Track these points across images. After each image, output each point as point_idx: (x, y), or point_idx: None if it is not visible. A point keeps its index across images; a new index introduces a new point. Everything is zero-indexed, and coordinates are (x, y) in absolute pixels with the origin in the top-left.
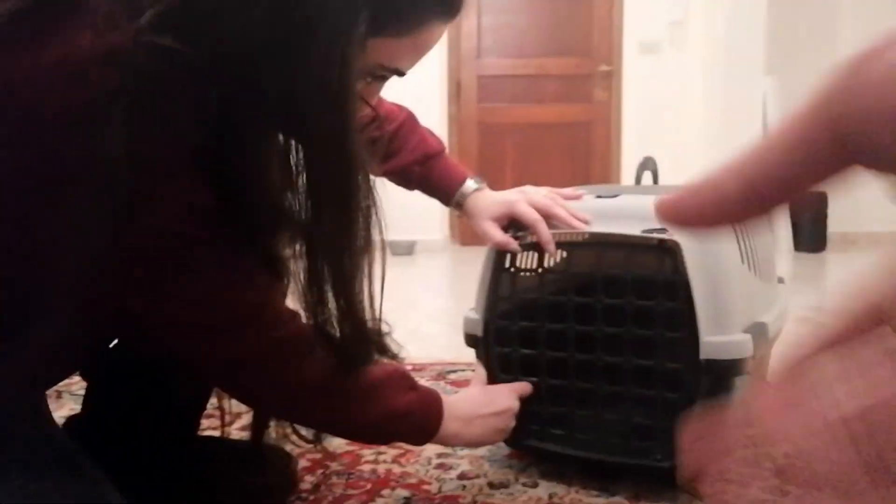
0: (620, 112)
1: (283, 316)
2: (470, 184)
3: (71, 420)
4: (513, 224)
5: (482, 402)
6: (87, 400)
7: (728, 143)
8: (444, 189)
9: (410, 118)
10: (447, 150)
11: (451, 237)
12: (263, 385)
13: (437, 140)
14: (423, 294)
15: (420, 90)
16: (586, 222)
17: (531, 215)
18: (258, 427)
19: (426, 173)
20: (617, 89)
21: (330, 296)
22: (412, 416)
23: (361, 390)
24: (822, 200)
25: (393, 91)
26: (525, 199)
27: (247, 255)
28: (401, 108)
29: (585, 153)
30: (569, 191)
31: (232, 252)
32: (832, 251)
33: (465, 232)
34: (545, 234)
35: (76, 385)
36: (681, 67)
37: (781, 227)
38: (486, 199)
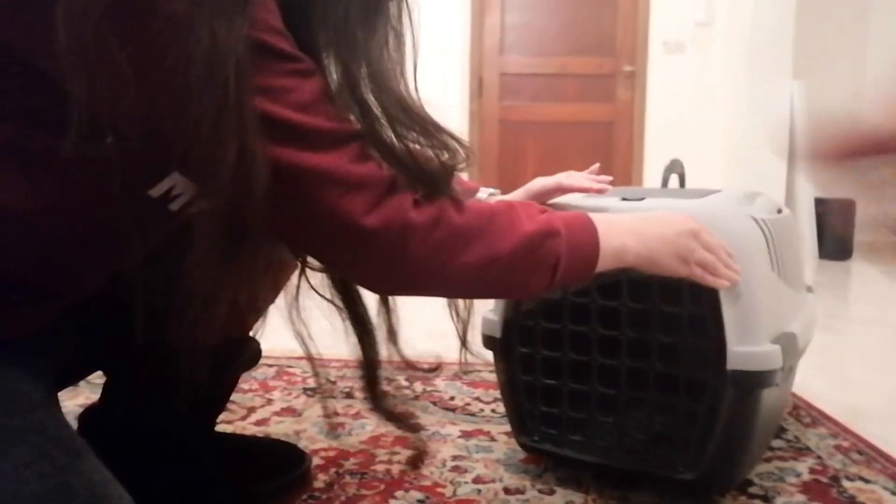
0: (644, 112)
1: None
2: (483, 191)
3: (87, 411)
4: None
5: (657, 219)
6: (105, 391)
7: (753, 146)
8: None
9: None
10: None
11: None
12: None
13: None
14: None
15: (442, 87)
16: (602, 185)
17: (550, 181)
18: (371, 385)
19: None
20: (641, 89)
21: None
22: (556, 232)
23: (487, 219)
24: (849, 207)
25: (414, 87)
26: (538, 179)
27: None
28: None
29: (607, 153)
30: (600, 177)
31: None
32: (858, 259)
33: None
34: (575, 185)
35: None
36: (706, 68)
37: (806, 234)
38: (503, 199)
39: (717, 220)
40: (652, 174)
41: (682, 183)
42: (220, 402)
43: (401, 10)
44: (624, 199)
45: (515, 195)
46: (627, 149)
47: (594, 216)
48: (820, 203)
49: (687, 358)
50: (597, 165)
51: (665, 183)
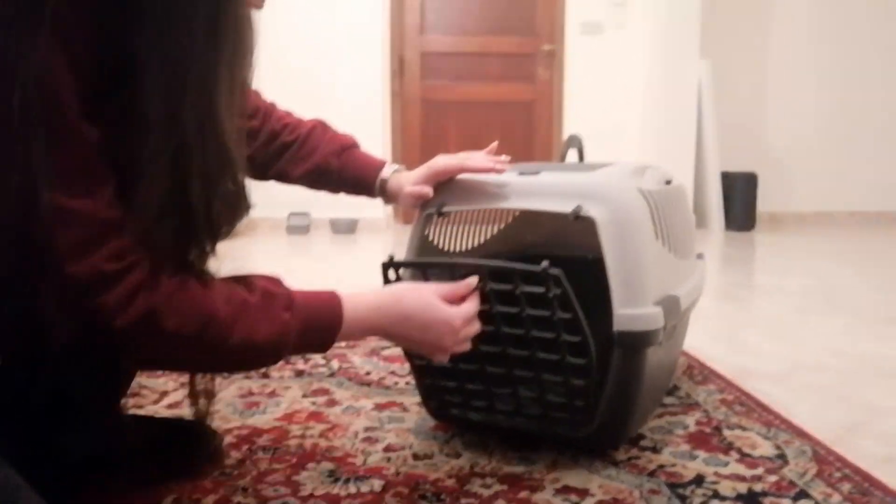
0: (562, 92)
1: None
2: (389, 167)
3: None
4: (440, 201)
5: (419, 326)
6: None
7: (665, 124)
8: (364, 176)
9: (322, 123)
10: (390, 146)
11: (395, 216)
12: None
13: (350, 136)
14: (364, 273)
15: (363, 67)
16: (502, 165)
17: (452, 160)
18: (193, 396)
19: (343, 164)
20: (559, 69)
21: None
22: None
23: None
24: (751, 181)
25: (334, 67)
26: (440, 157)
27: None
28: (311, 119)
29: (528, 132)
30: (499, 157)
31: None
32: (761, 230)
33: (408, 211)
34: (477, 165)
35: None
36: (622, 48)
37: (713, 206)
38: (407, 174)
39: (604, 191)
40: (570, 153)
41: (581, 157)
42: (124, 380)
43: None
44: (521, 173)
45: (418, 172)
46: (548, 127)
47: (352, 303)
48: (725, 176)
49: (576, 324)
50: (495, 144)
51: (563, 157)
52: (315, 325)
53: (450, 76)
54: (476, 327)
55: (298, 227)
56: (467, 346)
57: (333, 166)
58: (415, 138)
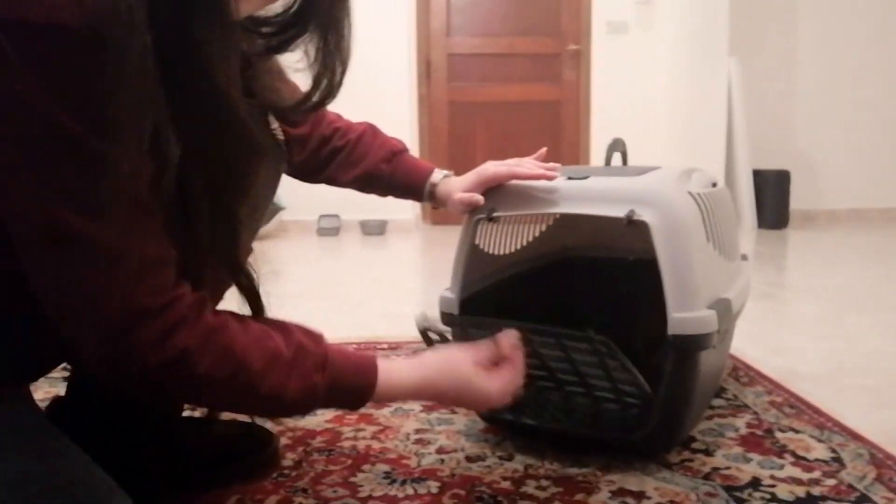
0: (589, 92)
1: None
2: (438, 173)
3: (55, 403)
4: (490, 206)
5: (468, 396)
6: (71, 382)
7: (694, 123)
8: (414, 182)
9: (371, 127)
10: (419, 149)
11: (423, 217)
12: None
13: (399, 141)
14: (396, 274)
15: (390, 70)
16: (553, 171)
17: (502, 168)
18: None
19: (394, 170)
20: (586, 69)
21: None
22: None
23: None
24: (783, 178)
25: (364, 72)
26: (490, 164)
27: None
28: (360, 122)
29: (554, 132)
30: (549, 164)
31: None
32: (793, 228)
33: (437, 211)
34: (525, 172)
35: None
36: (648, 47)
37: (745, 204)
38: (456, 180)
39: (656, 195)
40: (598, 152)
41: (624, 161)
42: None
43: None
44: (569, 178)
45: (468, 179)
46: (574, 127)
47: (386, 375)
48: (757, 174)
49: (632, 326)
50: (544, 150)
51: (608, 161)
52: (345, 390)
53: (476, 78)
54: (516, 386)
55: (329, 228)
56: (509, 400)
57: (384, 172)
58: (442, 140)
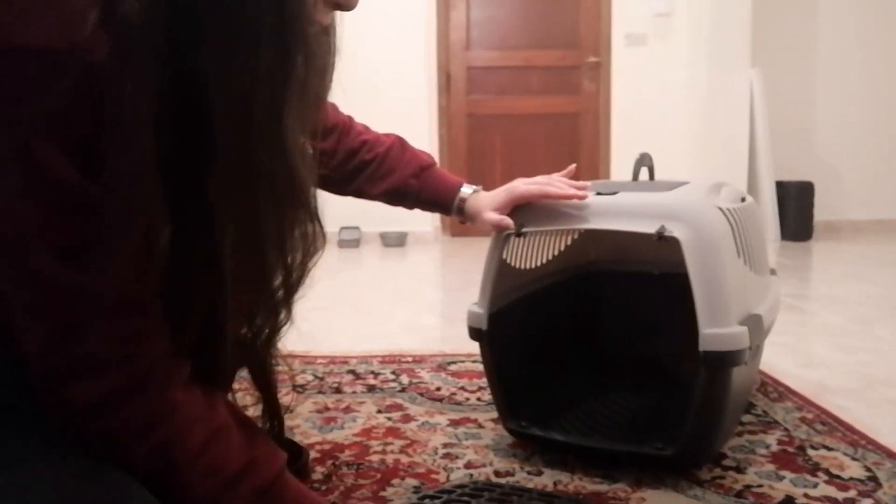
0: (609, 104)
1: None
2: (467, 188)
3: None
4: (519, 222)
5: None
6: None
7: (715, 134)
8: (442, 197)
9: (400, 140)
10: (437, 161)
11: (442, 229)
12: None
13: (427, 155)
14: (417, 286)
15: (410, 83)
16: (584, 190)
17: (533, 187)
18: (272, 415)
19: (422, 185)
20: (605, 81)
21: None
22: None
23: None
24: (807, 189)
25: (385, 84)
26: (521, 181)
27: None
28: (388, 134)
29: (573, 145)
30: (579, 183)
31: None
32: (817, 239)
33: (456, 223)
34: (556, 191)
35: None
36: (667, 59)
37: (768, 216)
38: (486, 196)
39: (687, 211)
40: (617, 165)
41: (651, 175)
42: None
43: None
44: (598, 193)
45: (497, 198)
46: (593, 140)
47: None
48: (780, 186)
49: (662, 343)
50: (573, 167)
51: (636, 176)
52: None
53: (495, 90)
54: None
55: (350, 241)
56: None
57: (412, 187)
58: (461, 152)
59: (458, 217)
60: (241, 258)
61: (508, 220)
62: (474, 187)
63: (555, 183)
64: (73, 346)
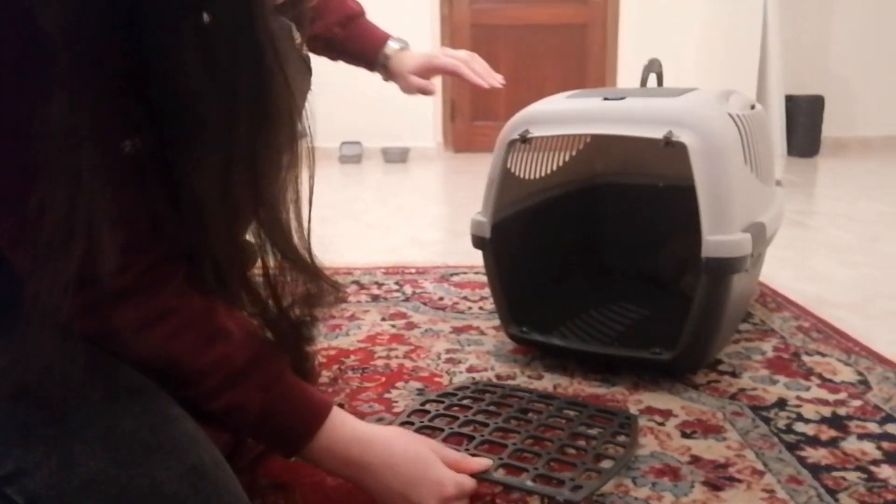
0: (617, 14)
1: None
2: (392, 44)
3: None
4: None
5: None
6: None
7: (725, 45)
8: (367, 50)
9: None
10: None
11: (444, 144)
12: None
13: (358, 4)
14: (420, 201)
15: None
16: (501, 83)
17: (450, 61)
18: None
19: (348, 35)
20: None
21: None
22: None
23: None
24: (817, 104)
25: None
26: (443, 52)
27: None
28: None
29: (581, 55)
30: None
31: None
32: (824, 156)
33: (458, 139)
34: (469, 74)
35: None
36: None
37: (775, 130)
38: (409, 57)
39: (695, 117)
40: (625, 76)
41: (659, 82)
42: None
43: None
44: (605, 98)
45: (417, 61)
46: (601, 51)
47: (338, 423)
48: (789, 100)
49: (664, 248)
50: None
51: (644, 82)
52: (281, 425)
53: None
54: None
55: (351, 156)
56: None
57: (337, 36)
58: None
59: (381, 75)
60: (229, 170)
61: (433, 87)
62: (402, 42)
63: (475, 66)
64: (64, 264)
